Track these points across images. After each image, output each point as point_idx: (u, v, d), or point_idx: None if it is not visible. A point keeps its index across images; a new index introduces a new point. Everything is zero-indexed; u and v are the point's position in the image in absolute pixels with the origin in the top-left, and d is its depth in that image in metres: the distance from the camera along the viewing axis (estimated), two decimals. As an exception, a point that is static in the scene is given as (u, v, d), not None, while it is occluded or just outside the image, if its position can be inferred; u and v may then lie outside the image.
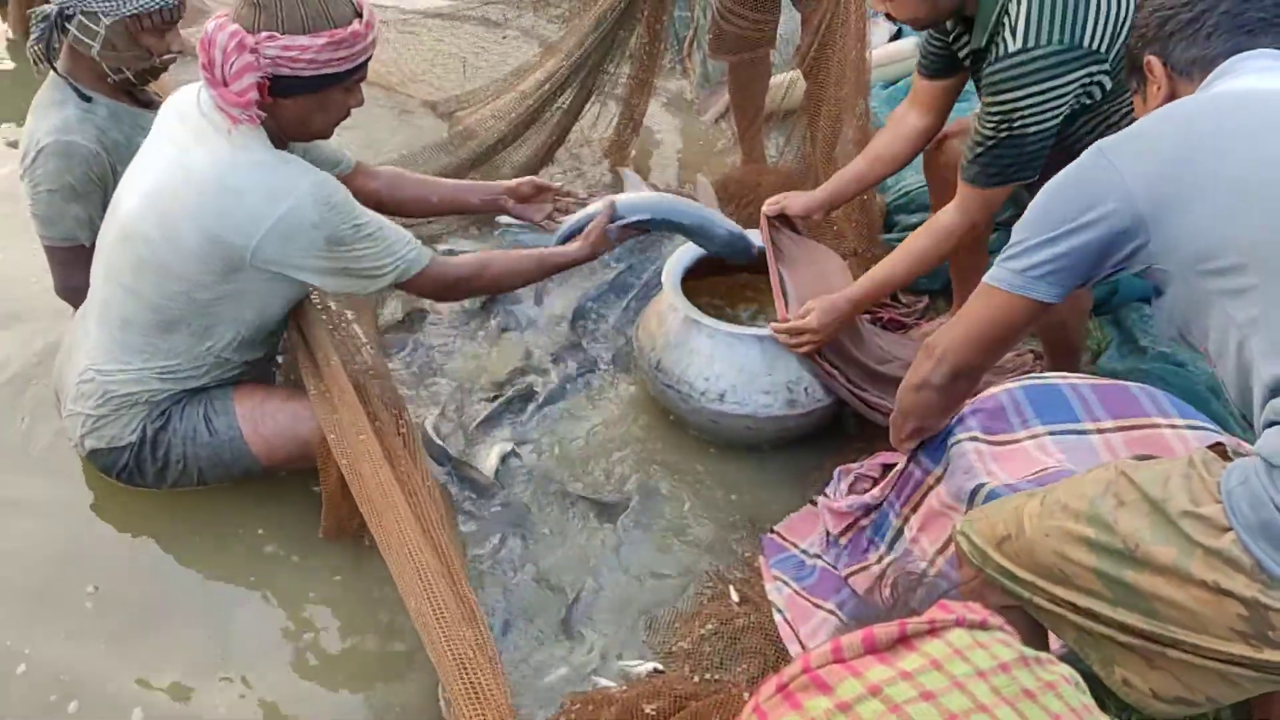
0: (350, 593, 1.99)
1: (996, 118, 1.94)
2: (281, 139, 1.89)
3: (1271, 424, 1.17)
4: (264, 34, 1.73)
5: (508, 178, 2.95)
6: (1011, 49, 1.88)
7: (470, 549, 2.09)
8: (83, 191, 2.15)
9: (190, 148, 1.84)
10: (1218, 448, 1.24)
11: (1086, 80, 1.90)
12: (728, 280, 2.59)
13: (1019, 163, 1.98)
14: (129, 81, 2.20)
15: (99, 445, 2.01)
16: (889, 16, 2.03)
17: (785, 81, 3.21)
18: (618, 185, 3.21)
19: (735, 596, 1.99)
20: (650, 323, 2.41)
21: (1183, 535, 1.16)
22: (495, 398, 2.48)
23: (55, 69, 2.15)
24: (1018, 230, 1.40)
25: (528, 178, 2.41)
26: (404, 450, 1.92)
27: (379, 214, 1.95)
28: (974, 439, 1.79)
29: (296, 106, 1.83)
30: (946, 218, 2.11)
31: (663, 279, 2.39)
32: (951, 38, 2.13)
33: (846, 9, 2.62)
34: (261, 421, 2.01)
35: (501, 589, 2.03)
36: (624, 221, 2.25)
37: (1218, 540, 1.13)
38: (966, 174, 2.05)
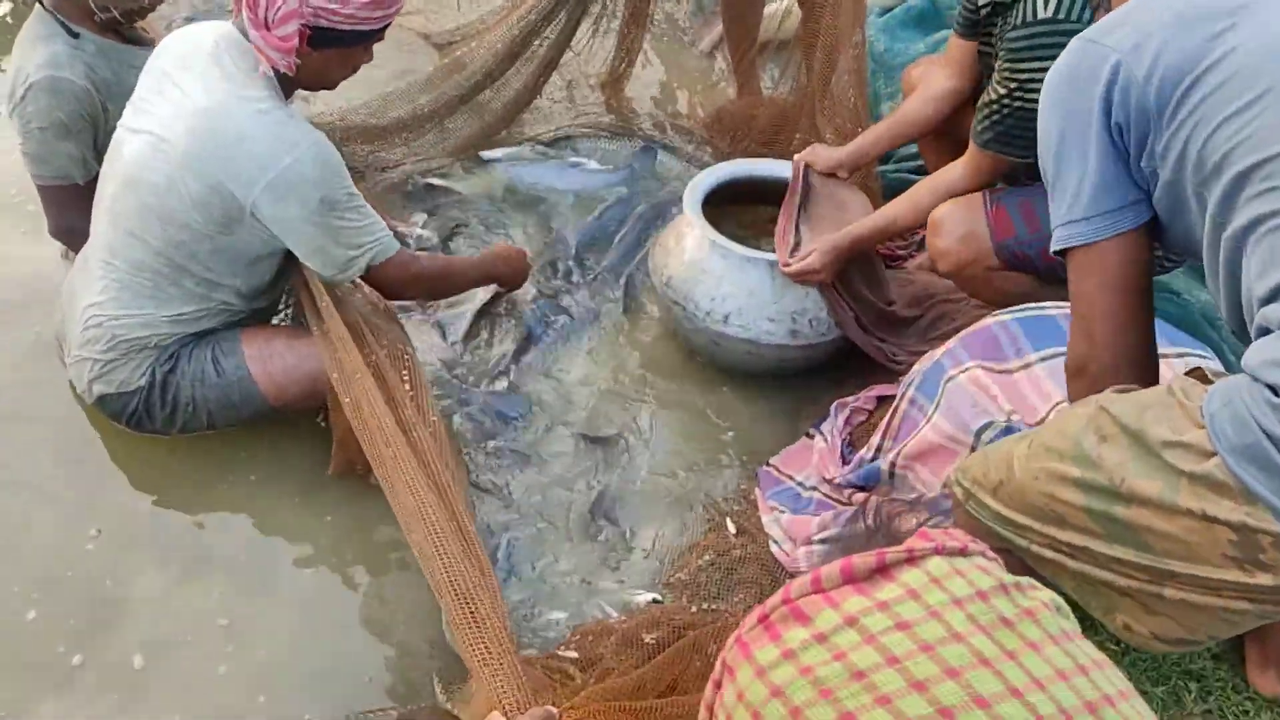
0: (357, 527, 2.01)
1: (1011, 84, 1.89)
2: (288, 91, 1.89)
3: (1263, 332, 1.11)
4: None
5: (497, 113, 2.99)
6: (1041, 15, 1.80)
7: (475, 476, 2.13)
8: (75, 129, 2.11)
9: (196, 94, 1.83)
10: (1196, 372, 1.18)
11: None
12: (752, 212, 2.59)
13: (1028, 138, 1.89)
14: (115, 20, 2.16)
15: (108, 390, 2.00)
16: None
17: (780, 10, 3.17)
18: (614, 117, 3.20)
19: (732, 528, 2.01)
20: (667, 240, 2.42)
21: (1167, 465, 1.12)
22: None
23: (42, 4, 2.11)
24: (1041, 164, 1.30)
25: None
26: (406, 387, 1.92)
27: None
28: (972, 369, 1.79)
29: (324, 59, 1.85)
30: (953, 174, 2.10)
31: (684, 197, 2.40)
32: None
33: (842, -64, 2.55)
34: (269, 360, 2.00)
35: (503, 523, 2.05)
36: None
37: (1202, 465, 1.09)
38: (978, 136, 2.01)
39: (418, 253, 2.15)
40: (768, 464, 2.14)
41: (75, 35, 2.12)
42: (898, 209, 2.19)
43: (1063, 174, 1.25)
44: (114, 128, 2.08)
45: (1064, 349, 1.63)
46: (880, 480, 1.91)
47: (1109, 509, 1.17)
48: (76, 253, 2.25)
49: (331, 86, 1.98)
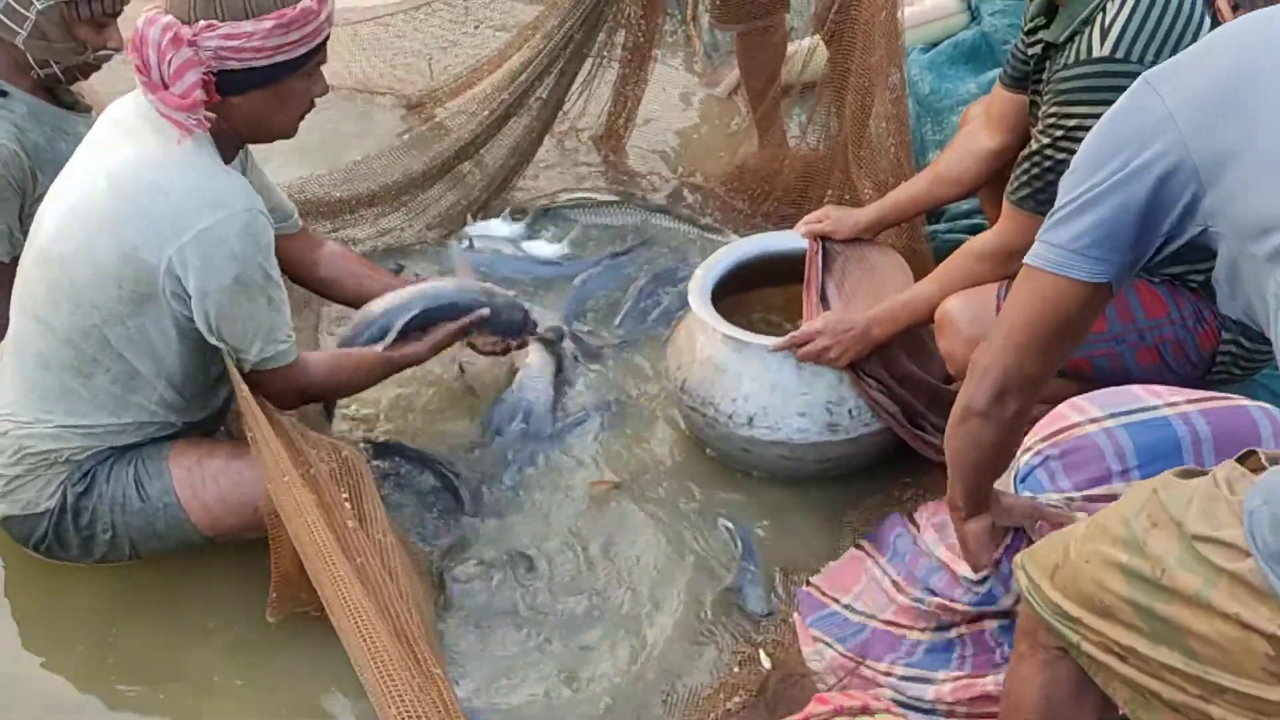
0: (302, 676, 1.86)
1: (1058, 131, 1.80)
2: (231, 148, 1.83)
3: None
4: (201, 23, 1.65)
5: (486, 177, 2.85)
6: (1097, 53, 1.73)
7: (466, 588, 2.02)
8: (3, 196, 2.06)
9: (118, 148, 1.77)
10: (1251, 459, 1.18)
11: None
12: (784, 291, 2.44)
13: None
14: (55, 78, 2.11)
15: (12, 511, 1.87)
16: None
17: (804, 49, 2.99)
18: (613, 178, 3.06)
19: (766, 662, 1.84)
20: (678, 339, 2.31)
21: (1205, 560, 1.12)
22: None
23: None
24: (1060, 191, 1.28)
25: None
26: (348, 506, 1.78)
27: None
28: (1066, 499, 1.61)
29: (251, 104, 1.75)
30: (984, 242, 2.01)
31: (690, 285, 2.27)
32: (1029, 28, 1.98)
33: (872, -36, 2.42)
34: (202, 486, 1.86)
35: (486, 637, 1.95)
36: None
37: (1237, 565, 1.09)
38: (1013, 193, 1.91)
39: (312, 360, 2.01)
40: (808, 583, 1.97)
41: (3, 94, 2.06)
42: (924, 291, 2.08)
43: (1067, 195, 1.27)
44: (39, 199, 2.00)
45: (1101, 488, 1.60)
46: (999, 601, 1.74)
47: (1151, 604, 1.16)
48: None
49: (287, 132, 1.86)
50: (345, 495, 1.79)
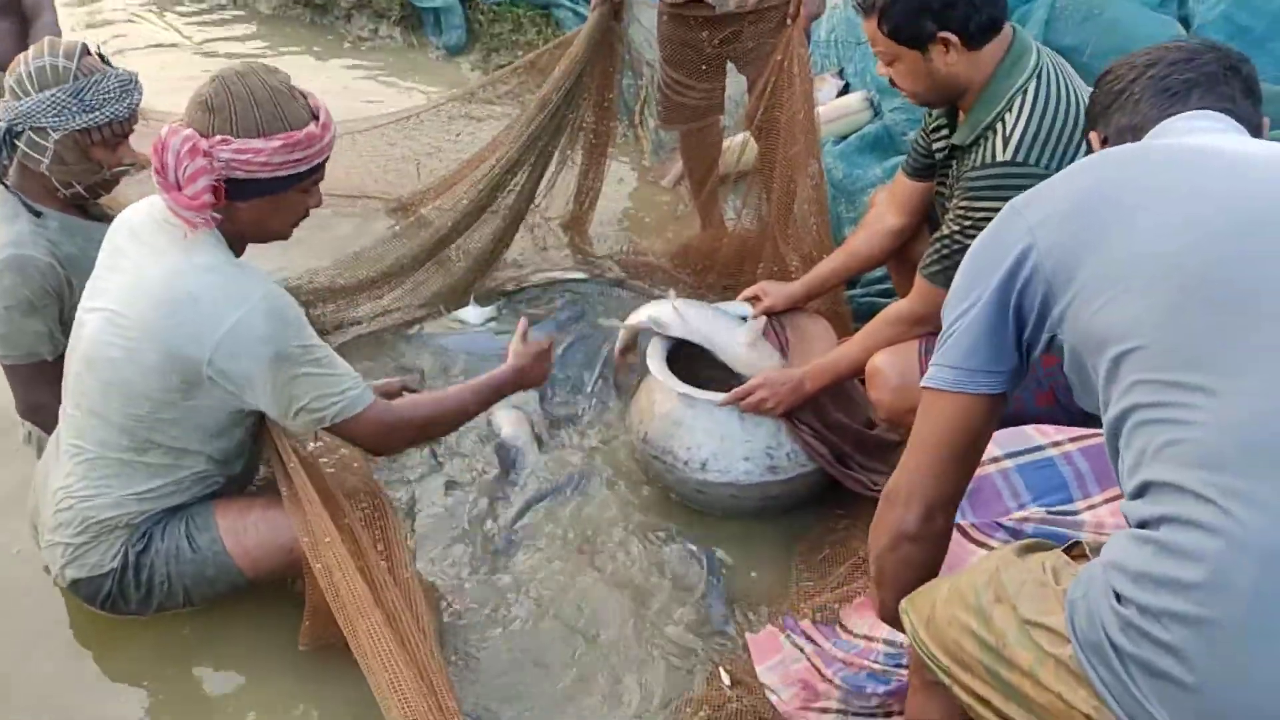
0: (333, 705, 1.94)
1: (967, 221, 1.92)
2: (238, 244, 1.88)
3: (1129, 522, 1.12)
4: (218, 137, 1.73)
5: (467, 266, 3.03)
6: (1000, 158, 1.86)
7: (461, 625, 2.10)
8: (40, 306, 2.11)
9: (146, 263, 1.83)
10: (1076, 549, 1.23)
11: None
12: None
13: None
14: (80, 195, 2.18)
15: (80, 575, 1.95)
16: (892, 83, 2.04)
17: (738, 144, 3.22)
18: (579, 259, 3.25)
19: (726, 679, 1.92)
20: (640, 398, 2.44)
21: (1034, 643, 1.17)
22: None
23: (4, 184, 2.12)
24: (944, 317, 1.34)
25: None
26: (379, 547, 1.88)
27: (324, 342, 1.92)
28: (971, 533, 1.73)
29: (252, 209, 1.82)
30: (904, 307, 2.12)
31: (647, 350, 2.42)
32: (932, 127, 2.12)
33: (790, 72, 2.65)
34: (244, 533, 1.96)
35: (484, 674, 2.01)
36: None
37: (1060, 650, 1.14)
38: (926, 269, 2.04)
39: (398, 401, 2.04)
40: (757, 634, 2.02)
41: (38, 214, 2.14)
42: (849, 350, 2.21)
43: (951, 318, 1.32)
44: (78, 303, 2.06)
45: (1069, 503, 1.69)
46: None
47: (997, 668, 1.21)
48: (46, 432, 2.22)
49: (282, 235, 1.93)
50: (377, 538, 1.88)
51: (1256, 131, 1.32)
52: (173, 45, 5.05)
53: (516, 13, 4.73)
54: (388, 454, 2.08)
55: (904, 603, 1.40)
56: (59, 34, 3.53)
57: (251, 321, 1.77)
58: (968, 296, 1.29)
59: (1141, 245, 1.14)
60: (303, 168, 1.80)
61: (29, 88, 2.05)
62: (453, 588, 2.20)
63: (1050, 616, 1.15)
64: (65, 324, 2.13)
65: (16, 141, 2.08)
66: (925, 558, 1.41)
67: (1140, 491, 1.10)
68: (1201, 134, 1.27)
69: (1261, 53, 3.01)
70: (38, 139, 2.06)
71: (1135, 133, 1.34)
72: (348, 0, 5.13)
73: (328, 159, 1.86)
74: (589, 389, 2.75)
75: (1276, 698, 0.98)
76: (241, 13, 5.39)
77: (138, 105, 2.11)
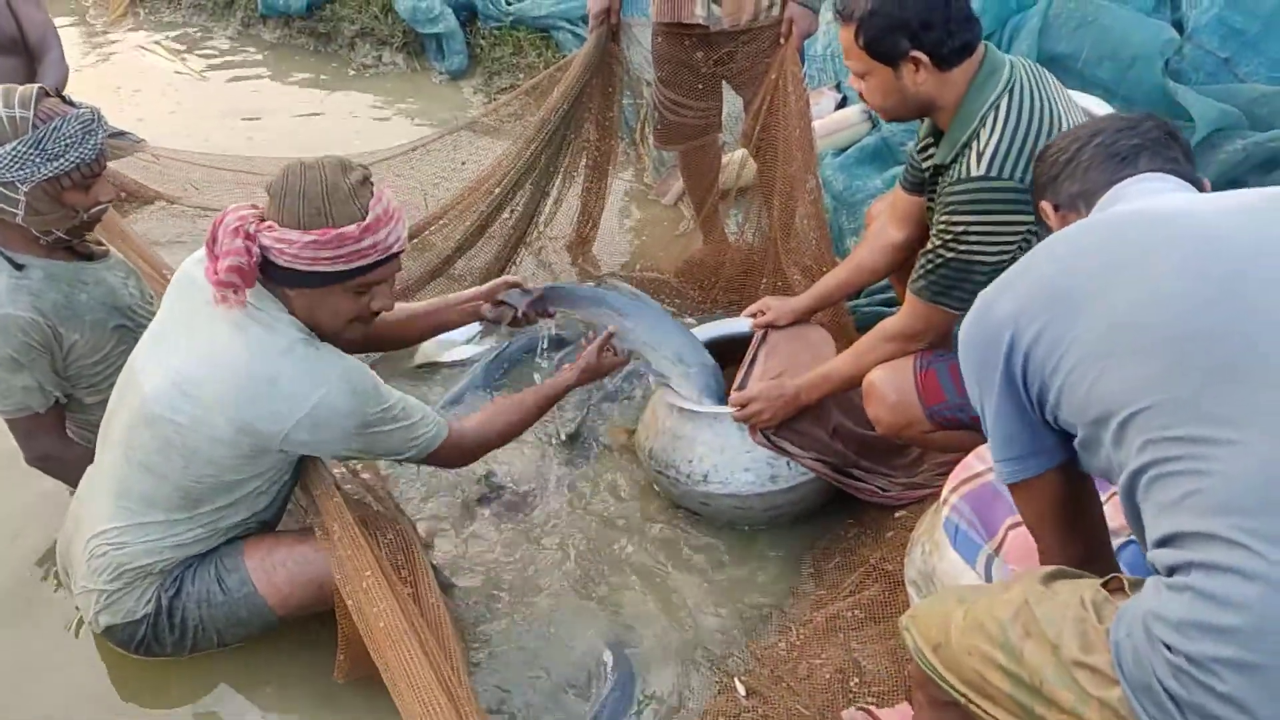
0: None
1: (947, 236, 1.95)
2: (314, 330, 1.88)
3: (1156, 571, 1.14)
4: (267, 223, 1.76)
5: (469, 286, 2.96)
6: (974, 173, 1.89)
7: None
8: (25, 362, 2.08)
9: (222, 336, 1.81)
10: (1113, 582, 1.23)
11: (1033, 225, 1.90)
12: (731, 371, 2.57)
13: (960, 287, 1.97)
14: (62, 240, 2.12)
15: (114, 621, 1.96)
16: (862, 96, 2.06)
17: (737, 161, 3.25)
18: (583, 277, 3.27)
19: (741, 690, 1.94)
20: (645, 415, 2.48)
21: (1077, 683, 1.16)
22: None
23: None
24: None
25: (499, 279, 2.37)
26: (404, 572, 1.90)
27: (398, 392, 1.93)
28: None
29: (300, 298, 1.83)
30: (893, 323, 2.15)
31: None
32: (921, 146, 2.16)
33: (785, 90, 2.68)
34: (274, 571, 1.96)
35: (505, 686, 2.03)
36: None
37: (1108, 693, 1.13)
38: (914, 284, 2.07)
39: (467, 422, 2.08)
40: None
41: (20, 267, 2.08)
42: (842, 364, 2.23)
43: (985, 419, 1.34)
44: (71, 347, 2.12)
45: None
46: None
47: (1032, 705, 1.20)
48: (58, 478, 2.24)
49: (334, 335, 1.89)
50: (401, 564, 1.91)
51: (1199, 190, 1.35)
52: (180, 75, 5.11)
53: (517, 36, 4.78)
54: (467, 464, 2.18)
55: (905, 620, 1.42)
56: (66, 70, 3.61)
57: (332, 402, 1.80)
58: (979, 396, 1.32)
59: (1124, 317, 1.16)
60: (340, 266, 1.77)
61: None
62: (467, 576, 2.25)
63: (1094, 655, 1.15)
64: (59, 371, 2.15)
65: None
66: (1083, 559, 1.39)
67: (1165, 541, 1.11)
68: (1155, 195, 1.30)
69: (1256, 54, 3.03)
70: (8, 193, 2.00)
71: (1086, 198, 1.38)
72: (351, 28, 5.19)
73: (382, 263, 1.81)
74: (596, 404, 2.76)
75: None
76: (249, 43, 5.45)
77: (103, 144, 2.05)
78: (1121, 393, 1.15)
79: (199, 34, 5.55)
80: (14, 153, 1.96)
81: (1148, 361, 1.13)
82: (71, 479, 2.21)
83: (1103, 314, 1.17)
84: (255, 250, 1.75)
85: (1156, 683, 1.08)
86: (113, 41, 5.55)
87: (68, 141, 1.98)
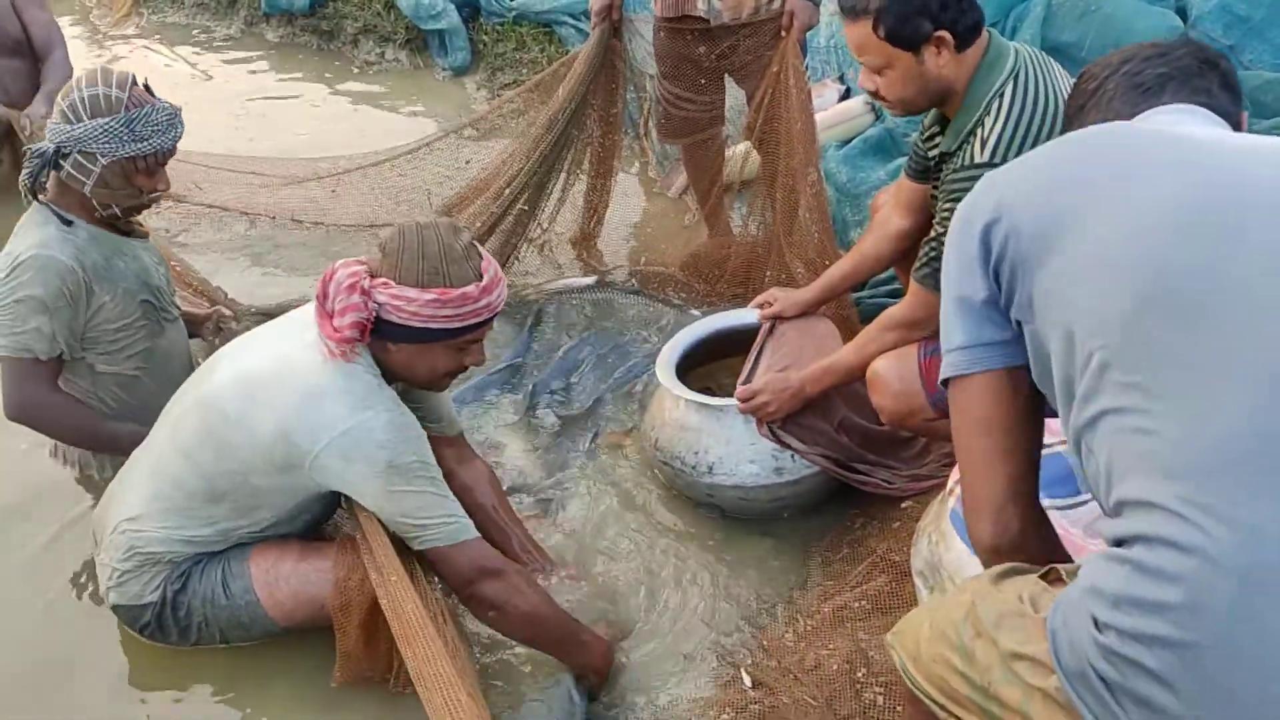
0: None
1: (950, 222, 1.94)
2: (388, 375, 1.90)
3: (1109, 541, 1.07)
4: (380, 280, 1.80)
5: None
6: (978, 160, 1.89)
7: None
8: (52, 307, 2.16)
9: (302, 348, 1.86)
10: (1052, 574, 1.19)
11: None
12: (737, 363, 2.57)
13: None
14: (115, 215, 2.26)
15: (121, 601, 2.00)
16: (874, 95, 2.06)
17: (740, 154, 3.25)
18: (588, 270, 3.29)
19: (748, 681, 1.95)
20: (651, 406, 2.50)
21: (1018, 677, 1.13)
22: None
23: (37, 197, 2.20)
24: (943, 298, 1.30)
25: None
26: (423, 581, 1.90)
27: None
28: None
29: (401, 352, 1.86)
30: (896, 312, 2.15)
31: (658, 359, 2.48)
32: (926, 135, 2.16)
33: (787, 83, 2.69)
34: (277, 586, 1.97)
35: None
36: None
37: (1046, 682, 1.10)
38: (916, 272, 2.07)
39: (510, 565, 1.96)
40: None
41: (69, 223, 2.21)
42: (845, 355, 2.24)
43: (948, 302, 1.27)
44: (100, 308, 2.23)
45: (1077, 495, 1.64)
46: None
47: (989, 706, 1.17)
48: (37, 428, 2.30)
49: (429, 385, 1.95)
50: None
51: (1236, 126, 1.28)
52: (184, 74, 5.12)
53: (520, 32, 4.78)
54: (472, 605, 1.93)
55: (889, 637, 1.38)
56: (70, 70, 3.65)
57: (371, 427, 1.80)
58: (953, 271, 1.25)
59: (1095, 247, 1.11)
60: (454, 324, 1.82)
61: (81, 114, 2.13)
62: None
63: (1031, 645, 1.12)
64: (74, 332, 2.21)
65: (62, 162, 2.16)
66: (1038, 549, 1.28)
67: (1117, 510, 1.07)
68: (1172, 129, 1.22)
69: (1261, 41, 3.02)
70: (85, 162, 2.15)
71: None
72: (354, 26, 5.19)
73: (487, 322, 1.87)
74: (599, 395, 2.78)
75: (1265, 716, 0.96)
76: (250, 41, 5.46)
77: (180, 137, 2.22)
78: (1086, 322, 1.08)
79: (202, 33, 5.55)
80: (105, 127, 2.12)
81: (1118, 293, 1.06)
82: (55, 429, 2.32)
83: (1078, 242, 1.12)
84: (372, 306, 1.79)
85: (1090, 668, 1.03)
86: (116, 42, 5.56)
87: (154, 128, 2.15)
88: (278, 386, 1.84)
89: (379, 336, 1.83)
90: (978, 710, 1.19)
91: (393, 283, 1.79)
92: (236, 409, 1.86)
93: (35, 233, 2.19)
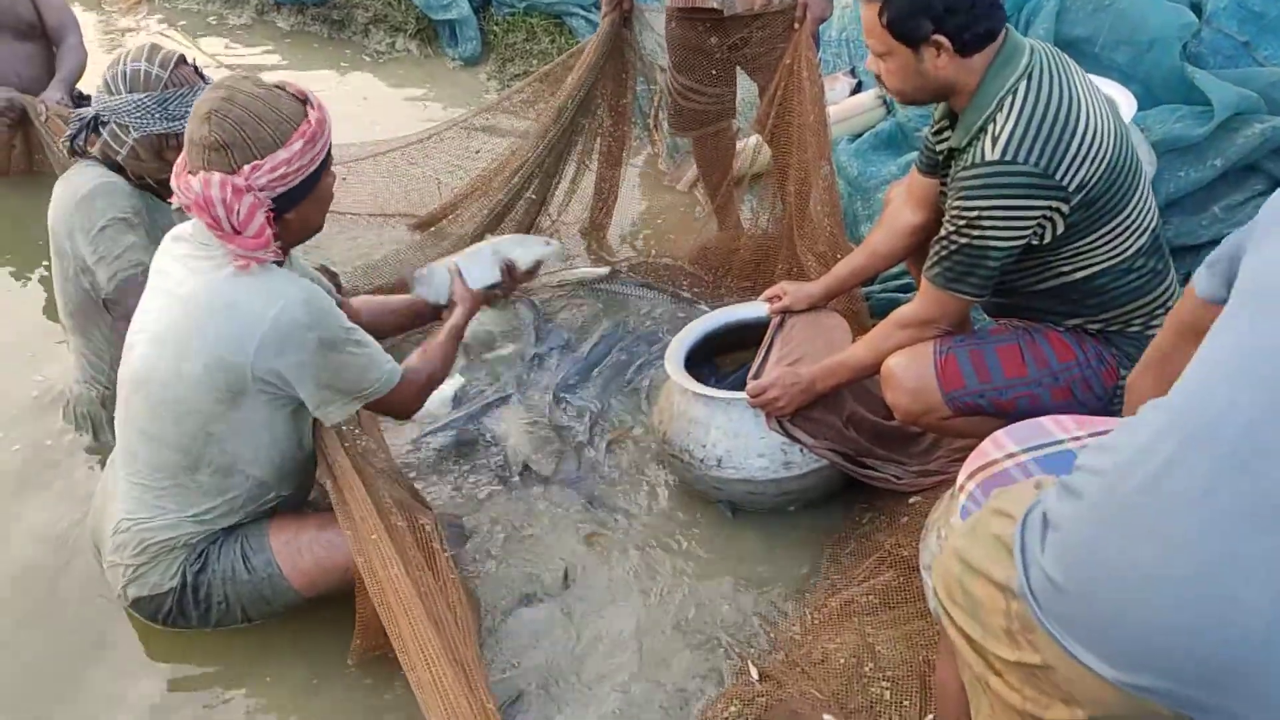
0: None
1: (961, 221, 1.94)
2: (281, 258, 1.90)
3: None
4: (247, 168, 1.75)
5: None
6: (989, 158, 1.89)
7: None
8: (134, 223, 2.29)
9: (183, 280, 1.87)
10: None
11: (1048, 211, 1.90)
12: (746, 356, 2.60)
13: (974, 273, 1.98)
14: (149, 187, 2.35)
15: (141, 594, 2.00)
16: (879, 80, 2.06)
17: (751, 147, 3.24)
18: (598, 261, 3.28)
19: (755, 673, 1.95)
20: (660, 399, 2.51)
21: (992, 582, 1.24)
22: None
23: (79, 152, 2.32)
24: None
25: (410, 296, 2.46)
26: (428, 563, 1.91)
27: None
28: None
29: (299, 215, 1.87)
30: (908, 310, 2.15)
31: (667, 353, 2.49)
32: (935, 129, 2.15)
33: (800, 76, 2.67)
34: (299, 555, 1.99)
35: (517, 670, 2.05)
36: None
37: (1006, 531, 1.24)
38: (927, 271, 2.07)
39: (412, 364, 2.11)
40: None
41: (117, 169, 2.32)
42: (857, 351, 2.23)
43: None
44: (144, 247, 2.26)
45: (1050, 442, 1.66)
46: None
47: (982, 639, 1.27)
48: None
49: (320, 228, 1.99)
50: (423, 542, 1.94)
51: None
52: (195, 62, 5.11)
53: (530, 22, 4.77)
54: (408, 417, 2.16)
55: (932, 577, 1.47)
56: (85, 55, 3.66)
57: (292, 313, 1.81)
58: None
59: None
60: (325, 150, 1.86)
61: (120, 87, 2.23)
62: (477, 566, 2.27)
63: (1001, 563, 1.24)
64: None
65: (100, 129, 2.26)
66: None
67: None
68: None
69: (1276, 37, 2.99)
70: (119, 133, 2.24)
71: None
72: (365, 15, 5.19)
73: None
74: (610, 386, 2.80)
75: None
76: (263, 30, 5.45)
77: None
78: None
79: (214, 21, 5.55)
80: (137, 102, 2.22)
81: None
82: None
83: None
84: (265, 195, 1.77)
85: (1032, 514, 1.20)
86: (128, 29, 5.56)
87: (188, 109, 2.11)
88: (182, 323, 1.85)
89: (278, 214, 1.82)
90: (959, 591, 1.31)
91: (259, 161, 1.75)
92: (163, 368, 1.87)
93: (87, 172, 2.30)
